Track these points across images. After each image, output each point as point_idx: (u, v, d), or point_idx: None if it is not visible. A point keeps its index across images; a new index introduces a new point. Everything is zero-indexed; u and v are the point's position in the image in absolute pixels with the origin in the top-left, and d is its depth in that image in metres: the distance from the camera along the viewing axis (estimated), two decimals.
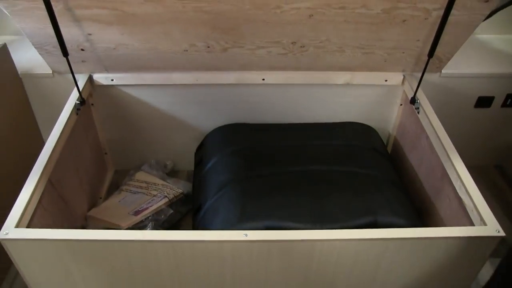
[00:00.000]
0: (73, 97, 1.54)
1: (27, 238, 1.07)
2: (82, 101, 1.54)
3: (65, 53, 1.39)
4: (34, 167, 1.26)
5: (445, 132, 1.40)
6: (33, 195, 1.19)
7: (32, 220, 1.17)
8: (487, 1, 1.31)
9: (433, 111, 1.50)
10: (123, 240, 1.07)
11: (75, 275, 1.16)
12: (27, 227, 1.14)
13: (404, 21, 1.40)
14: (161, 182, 1.80)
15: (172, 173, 1.99)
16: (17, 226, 1.09)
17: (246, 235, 1.08)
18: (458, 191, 1.28)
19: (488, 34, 1.99)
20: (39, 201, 1.22)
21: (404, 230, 1.10)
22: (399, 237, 1.09)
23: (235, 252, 1.11)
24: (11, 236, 1.06)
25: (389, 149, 1.89)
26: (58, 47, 1.38)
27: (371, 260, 1.15)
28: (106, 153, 1.92)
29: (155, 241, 1.08)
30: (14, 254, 1.10)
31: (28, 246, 1.08)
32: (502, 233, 1.09)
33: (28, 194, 1.17)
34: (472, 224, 1.19)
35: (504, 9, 1.63)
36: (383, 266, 1.16)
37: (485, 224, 1.13)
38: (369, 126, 1.81)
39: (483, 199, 1.19)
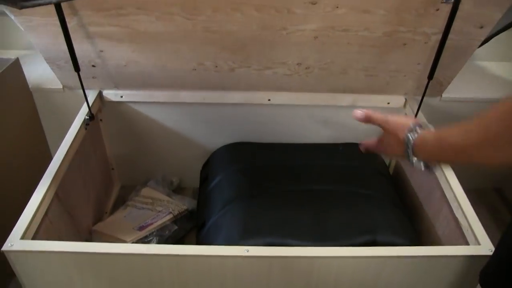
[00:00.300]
0: (83, 112, 1.58)
1: (31, 250, 1.07)
2: (91, 116, 1.58)
3: (76, 68, 1.43)
4: (42, 179, 1.28)
5: None
6: (39, 208, 1.20)
7: (37, 232, 1.18)
8: (482, 27, 1.36)
9: None
10: (128, 253, 1.09)
11: (79, 287, 1.18)
12: (32, 239, 1.15)
13: (405, 44, 1.44)
14: (166, 198, 1.83)
15: (177, 190, 2.01)
16: (22, 237, 1.10)
17: (247, 250, 1.10)
18: (455, 212, 1.30)
19: (487, 61, 2.04)
20: (45, 214, 1.24)
21: (401, 249, 1.13)
22: (396, 255, 1.12)
23: (236, 267, 1.13)
24: (15, 247, 1.06)
25: (391, 170, 1.91)
26: (70, 62, 1.42)
27: (369, 278, 1.16)
28: (113, 168, 1.95)
29: (159, 255, 1.10)
30: (18, 266, 1.10)
31: (32, 258, 1.09)
32: None
33: (34, 206, 1.19)
34: (467, 243, 1.21)
35: (502, 37, 1.67)
36: (381, 283, 1.18)
37: (479, 243, 1.15)
38: None
39: (477, 219, 1.22)
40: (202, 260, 1.11)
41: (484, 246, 1.14)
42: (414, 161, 0.88)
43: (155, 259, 1.11)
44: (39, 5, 1.02)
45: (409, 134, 0.87)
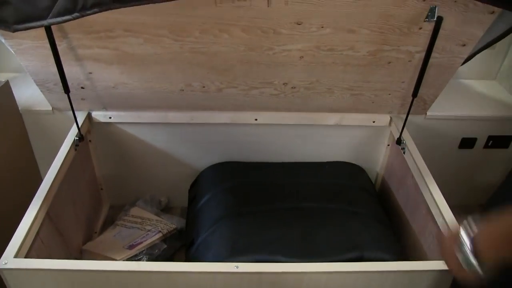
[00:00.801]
0: (72, 133, 1.60)
1: (26, 268, 1.09)
2: (80, 137, 1.59)
3: (66, 90, 1.45)
4: (33, 200, 1.29)
5: (429, 172, 1.46)
6: (31, 228, 1.21)
7: (30, 251, 1.19)
8: (464, 45, 1.40)
9: (417, 152, 1.56)
10: (119, 270, 1.11)
11: None
12: (25, 258, 1.17)
13: (389, 63, 1.48)
14: (155, 217, 1.83)
15: (166, 209, 2.02)
16: (15, 256, 1.12)
17: (237, 267, 1.12)
18: (440, 227, 1.33)
19: (470, 79, 2.09)
20: (37, 234, 1.25)
21: (387, 264, 1.15)
22: (382, 270, 1.14)
23: (226, 283, 1.14)
24: (10, 266, 1.09)
25: (377, 187, 1.95)
26: (59, 84, 1.44)
27: None
28: (102, 189, 1.96)
29: (149, 272, 1.11)
30: (12, 284, 1.12)
31: (26, 275, 1.11)
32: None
33: (27, 226, 1.20)
34: None
35: (484, 55, 1.71)
36: None
37: None
38: (358, 166, 1.87)
39: None
40: (193, 276, 1.13)
41: None
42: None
43: (146, 276, 1.12)
44: (32, 27, 1.05)
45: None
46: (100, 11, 1.08)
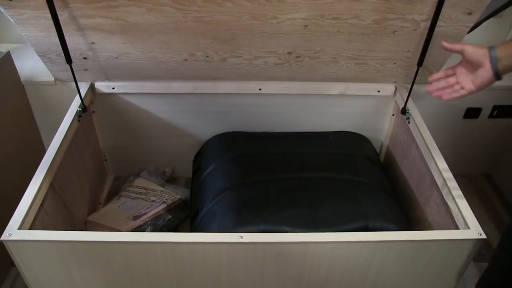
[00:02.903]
0: (75, 104, 1.59)
1: (30, 239, 1.10)
2: (83, 108, 1.58)
3: (69, 60, 1.44)
4: (37, 171, 1.29)
5: (433, 142, 1.45)
6: (35, 199, 1.22)
7: (34, 223, 1.20)
8: (470, 14, 1.37)
9: (422, 122, 1.55)
10: (123, 241, 1.11)
11: (76, 275, 1.20)
12: (30, 229, 1.17)
13: (394, 32, 1.45)
14: (159, 188, 1.84)
15: (170, 180, 2.03)
16: (20, 228, 1.12)
17: (241, 237, 1.12)
18: (445, 197, 1.33)
19: None
20: (41, 205, 1.26)
21: (392, 233, 1.16)
22: (387, 240, 1.14)
23: (231, 254, 1.15)
24: (14, 237, 1.09)
25: (382, 157, 1.94)
26: (61, 55, 1.43)
27: (362, 262, 1.19)
28: (106, 160, 1.96)
29: (154, 242, 1.11)
30: (16, 255, 1.13)
31: (30, 247, 1.11)
32: (483, 236, 1.14)
33: (30, 198, 1.20)
34: (457, 227, 1.24)
35: (491, 23, 1.68)
36: (373, 267, 1.21)
37: (468, 227, 1.18)
38: (362, 135, 1.86)
39: (467, 204, 1.24)
40: (197, 247, 1.13)
41: (473, 230, 1.17)
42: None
43: (151, 247, 1.13)
44: None
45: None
46: None
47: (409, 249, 1.17)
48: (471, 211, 1.22)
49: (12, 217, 1.15)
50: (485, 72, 1.06)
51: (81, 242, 1.11)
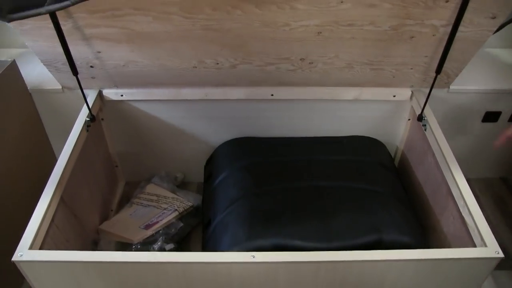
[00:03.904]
0: (84, 113, 1.56)
1: (41, 260, 1.09)
2: (92, 118, 1.56)
3: (74, 72, 1.41)
4: (46, 186, 1.28)
5: (451, 151, 1.41)
6: (46, 215, 1.20)
7: (45, 240, 1.19)
8: (494, 18, 1.32)
9: (439, 129, 1.50)
10: (135, 262, 1.09)
11: None
12: (41, 247, 1.16)
13: (412, 37, 1.40)
14: (171, 195, 1.81)
15: (182, 185, 2.01)
16: (30, 247, 1.11)
17: (253, 256, 1.10)
18: (461, 210, 1.29)
19: (496, 48, 1.98)
20: (52, 220, 1.24)
21: (407, 252, 1.12)
22: (402, 259, 1.11)
23: (243, 273, 1.13)
24: (25, 258, 1.08)
25: (397, 162, 1.90)
26: (67, 64, 1.40)
27: (375, 280, 1.16)
28: (117, 166, 1.94)
29: (165, 262, 1.09)
30: (28, 274, 1.13)
31: (41, 267, 1.11)
32: (501, 255, 1.11)
33: (41, 215, 1.19)
34: (473, 243, 1.21)
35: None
36: (386, 285, 1.17)
37: (485, 245, 1.15)
38: (377, 140, 1.82)
39: (484, 220, 1.20)
40: (209, 266, 1.11)
41: (490, 248, 1.13)
42: None
43: (162, 267, 1.11)
44: (28, 16, 0.98)
45: None
46: None
47: (424, 267, 1.14)
48: (488, 226, 1.19)
49: (23, 236, 1.14)
50: None
51: (92, 262, 1.09)
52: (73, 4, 0.99)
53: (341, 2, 1.26)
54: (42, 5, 0.98)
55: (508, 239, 1.82)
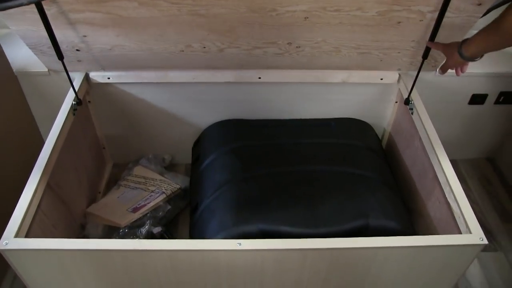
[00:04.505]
0: (70, 97, 1.55)
1: (26, 249, 1.08)
2: (78, 101, 1.55)
3: (60, 56, 1.40)
4: (32, 173, 1.27)
5: (437, 137, 1.42)
6: (32, 201, 1.20)
7: (31, 227, 1.19)
8: (480, 4, 1.31)
9: (426, 114, 1.51)
10: (121, 249, 1.10)
11: (76, 281, 1.19)
12: (27, 234, 1.16)
13: (399, 23, 1.40)
14: (159, 177, 1.82)
15: (170, 167, 2.01)
16: (16, 235, 1.11)
17: (240, 244, 1.11)
18: (447, 196, 1.31)
19: None
20: (38, 206, 1.24)
21: (393, 239, 1.14)
22: (388, 246, 1.13)
23: (230, 261, 1.14)
24: (10, 246, 1.08)
25: (384, 144, 1.91)
26: (53, 48, 1.38)
27: (361, 266, 1.18)
28: (104, 148, 1.93)
29: (152, 250, 1.10)
30: (14, 263, 1.13)
31: (27, 255, 1.11)
32: (485, 241, 1.13)
33: (27, 201, 1.19)
34: (458, 229, 1.23)
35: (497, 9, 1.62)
36: (372, 271, 1.20)
37: (470, 232, 1.17)
38: (365, 123, 1.83)
39: (469, 206, 1.22)
40: (195, 254, 1.12)
41: (475, 234, 1.15)
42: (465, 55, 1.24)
43: (149, 254, 1.12)
44: (10, 7, 0.96)
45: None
46: None
47: (409, 254, 1.16)
48: (473, 213, 1.21)
49: (8, 223, 1.13)
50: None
51: (79, 250, 1.09)
52: None
53: None
54: None
55: (494, 221, 1.86)
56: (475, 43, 1.20)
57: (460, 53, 1.25)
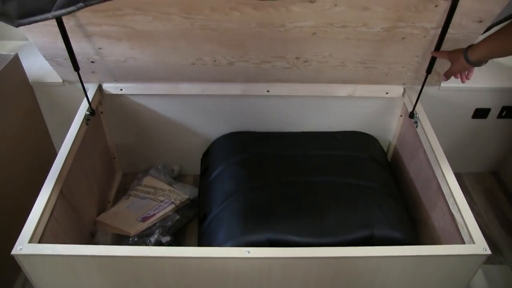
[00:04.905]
0: (83, 107, 1.60)
1: (40, 254, 1.12)
2: (92, 112, 1.59)
3: (76, 67, 1.44)
4: (46, 180, 1.31)
5: (441, 149, 1.45)
6: (45, 208, 1.24)
7: (44, 233, 1.22)
8: (480, 21, 1.36)
9: (430, 127, 1.54)
10: (132, 256, 1.13)
11: (86, 286, 1.22)
12: (40, 240, 1.20)
13: (403, 38, 1.44)
14: (168, 187, 1.85)
15: (179, 177, 2.04)
16: (30, 241, 1.14)
17: (248, 252, 1.14)
18: (451, 207, 1.34)
19: None
20: (51, 213, 1.28)
21: (397, 248, 1.16)
22: (393, 255, 1.15)
23: (238, 268, 1.17)
24: (24, 251, 1.11)
25: (389, 156, 1.94)
26: (69, 59, 1.43)
27: (366, 275, 1.21)
28: (114, 158, 1.97)
29: (162, 257, 1.13)
30: (27, 268, 1.16)
31: (40, 260, 1.14)
32: (488, 252, 1.16)
33: (41, 208, 1.22)
34: (462, 239, 1.26)
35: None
36: (377, 280, 1.22)
37: (473, 242, 1.19)
38: (370, 136, 1.86)
39: (473, 217, 1.25)
40: (204, 261, 1.15)
41: (478, 245, 1.18)
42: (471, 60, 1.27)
43: (159, 261, 1.15)
44: (36, 21, 1.02)
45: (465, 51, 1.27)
46: (106, 1, 1.05)
47: (413, 263, 1.18)
48: (476, 224, 1.23)
49: (23, 229, 1.16)
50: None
51: (91, 256, 1.13)
52: (78, 9, 1.03)
53: (335, 5, 1.29)
54: (49, 11, 1.02)
55: (499, 234, 1.88)
56: (482, 47, 1.22)
57: (465, 58, 1.27)
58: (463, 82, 1.39)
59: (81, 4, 1.03)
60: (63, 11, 1.02)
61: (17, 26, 1.04)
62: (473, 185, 2.09)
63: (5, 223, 1.55)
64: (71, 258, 1.13)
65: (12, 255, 1.11)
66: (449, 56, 1.37)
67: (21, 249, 1.12)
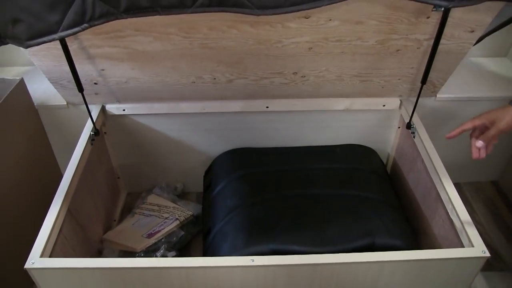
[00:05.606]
0: (88, 128, 1.64)
1: (51, 267, 1.16)
2: (96, 132, 1.63)
3: (80, 89, 1.48)
4: (54, 198, 1.35)
5: (438, 158, 1.48)
6: (54, 226, 1.27)
7: (54, 249, 1.26)
8: (472, 32, 1.40)
9: (427, 136, 1.58)
10: (139, 267, 1.16)
11: None
12: (50, 255, 1.23)
13: (398, 50, 1.48)
14: (172, 204, 1.88)
15: (182, 195, 2.07)
16: (41, 255, 1.18)
17: (253, 260, 1.16)
18: (449, 213, 1.36)
19: (481, 57, 2.07)
20: (60, 230, 1.31)
21: (398, 253, 1.19)
22: (394, 260, 1.18)
23: (243, 277, 1.20)
24: (36, 265, 1.15)
25: (389, 168, 1.97)
26: (73, 81, 1.47)
27: (369, 281, 1.23)
28: (118, 177, 2.01)
29: (169, 268, 1.16)
30: (39, 281, 1.19)
31: (52, 273, 1.18)
32: (487, 254, 1.18)
33: (50, 225, 1.26)
34: (461, 243, 1.28)
35: (496, 33, 1.70)
36: (380, 285, 1.25)
37: (472, 245, 1.22)
38: (369, 148, 1.89)
39: (471, 221, 1.27)
40: (210, 271, 1.18)
41: (477, 248, 1.20)
42: None
43: (166, 272, 1.18)
44: (44, 42, 1.07)
45: None
46: (108, 21, 1.10)
47: (414, 267, 1.21)
48: (474, 228, 1.26)
49: (34, 245, 1.21)
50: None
51: (99, 268, 1.16)
52: (83, 30, 1.08)
53: (330, 20, 1.34)
54: (55, 32, 1.08)
55: (500, 242, 1.89)
56: None
57: None
58: (482, 156, 1.31)
59: (85, 25, 1.09)
60: (69, 31, 1.08)
61: (26, 47, 1.09)
62: (473, 194, 2.12)
63: (16, 241, 1.58)
64: (80, 270, 1.17)
65: (25, 269, 1.16)
66: (489, 115, 1.24)
67: (33, 263, 1.16)
